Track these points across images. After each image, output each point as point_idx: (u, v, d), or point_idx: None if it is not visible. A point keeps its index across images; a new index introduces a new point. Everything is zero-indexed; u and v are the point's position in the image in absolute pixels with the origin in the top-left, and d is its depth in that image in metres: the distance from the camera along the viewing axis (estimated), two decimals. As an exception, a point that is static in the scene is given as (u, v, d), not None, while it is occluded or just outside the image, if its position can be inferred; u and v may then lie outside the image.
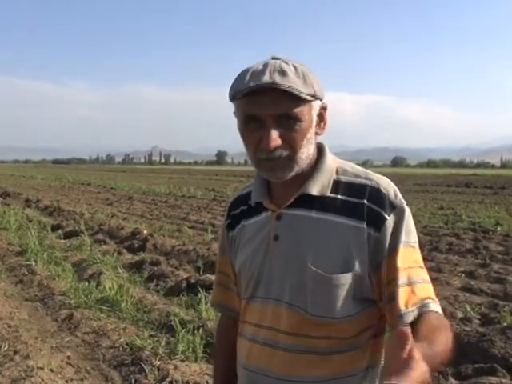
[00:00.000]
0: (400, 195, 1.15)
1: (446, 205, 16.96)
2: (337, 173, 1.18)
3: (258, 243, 1.20)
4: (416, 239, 1.15)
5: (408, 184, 30.10)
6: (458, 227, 11.05)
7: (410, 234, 1.13)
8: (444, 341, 1.02)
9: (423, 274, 1.13)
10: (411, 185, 29.80)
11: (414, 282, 1.11)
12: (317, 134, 1.16)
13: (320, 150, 1.20)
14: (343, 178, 1.17)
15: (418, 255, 1.14)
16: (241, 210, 1.30)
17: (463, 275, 6.81)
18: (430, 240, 9.09)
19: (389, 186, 1.15)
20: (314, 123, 1.13)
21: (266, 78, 1.04)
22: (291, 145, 1.09)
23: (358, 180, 1.16)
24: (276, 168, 1.11)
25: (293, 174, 1.13)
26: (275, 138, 1.07)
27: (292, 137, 1.08)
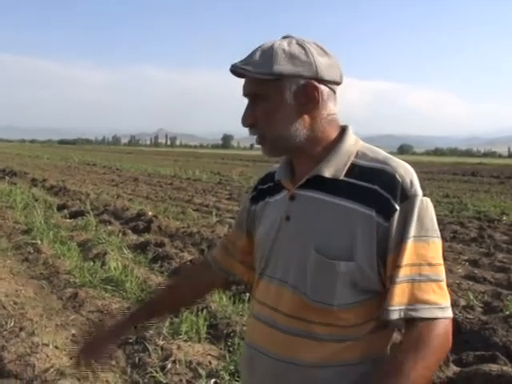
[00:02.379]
0: (417, 184, 1.09)
1: (452, 193, 16.90)
2: (356, 156, 1.14)
3: (273, 222, 1.20)
4: (434, 233, 1.07)
5: (414, 172, 29.94)
6: (463, 216, 11.04)
7: (423, 227, 1.06)
8: (415, 375, 1.00)
9: (430, 272, 1.05)
10: (418, 172, 29.66)
11: (414, 281, 1.05)
12: (305, 113, 1.12)
13: (342, 131, 1.18)
14: (360, 162, 1.13)
15: (431, 251, 1.06)
16: (268, 186, 1.30)
17: (467, 263, 6.81)
18: (434, 228, 9.09)
19: (406, 174, 1.09)
20: (291, 102, 1.11)
21: (235, 62, 1.12)
22: (260, 123, 1.14)
23: (375, 164, 1.12)
24: (259, 144, 1.17)
25: (277, 153, 1.18)
26: (246, 116, 1.14)
27: (259, 115, 1.13)
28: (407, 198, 1.06)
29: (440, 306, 1.06)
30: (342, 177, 1.12)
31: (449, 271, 6.34)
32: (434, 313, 1.05)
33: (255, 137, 1.17)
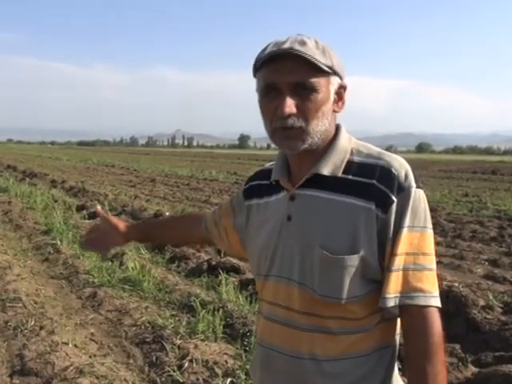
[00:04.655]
0: (412, 177, 1.11)
1: (471, 192, 16.67)
2: (351, 153, 1.18)
3: (274, 222, 1.22)
4: (426, 223, 1.12)
5: (433, 170, 29.66)
6: (483, 215, 10.89)
7: (416, 217, 1.10)
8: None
9: (424, 262, 1.10)
10: (436, 171, 29.35)
11: (408, 269, 1.09)
12: (334, 111, 1.16)
13: (336, 130, 1.20)
14: (356, 159, 1.17)
15: (424, 241, 1.11)
16: (263, 184, 1.31)
17: (486, 263, 6.72)
18: (453, 227, 8.99)
19: (400, 167, 1.12)
20: (332, 99, 1.14)
21: (286, 46, 1.07)
22: (305, 115, 1.10)
23: (370, 160, 1.15)
24: (289, 137, 1.12)
25: (306, 146, 1.13)
26: (290, 104, 1.09)
27: (307, 106, 1.10)
28: (403, 189, 1.10)
29: (433, 294, 1.10)
30: (340, 174, 1.15)
31: (468, 271, 6.26)
32: (428, 301, 1.09)
33: (281, 127, 1.11)
